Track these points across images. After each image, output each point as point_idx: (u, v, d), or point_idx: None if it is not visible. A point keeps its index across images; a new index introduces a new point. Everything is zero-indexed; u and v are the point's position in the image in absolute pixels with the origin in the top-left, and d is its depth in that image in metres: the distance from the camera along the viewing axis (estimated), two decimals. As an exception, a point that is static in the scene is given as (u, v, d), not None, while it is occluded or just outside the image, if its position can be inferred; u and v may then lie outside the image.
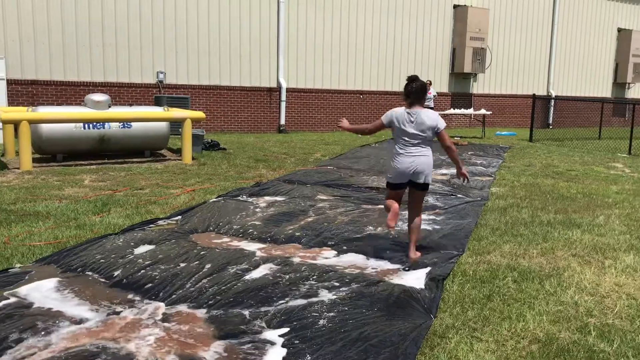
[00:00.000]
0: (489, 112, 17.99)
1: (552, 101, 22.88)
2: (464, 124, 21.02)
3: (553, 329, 3.65)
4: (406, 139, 4.86)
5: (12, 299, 3.83)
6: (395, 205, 4.97)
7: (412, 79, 4.89)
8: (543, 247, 5.46)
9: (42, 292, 3.99)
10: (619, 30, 24.68)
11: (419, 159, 4.84)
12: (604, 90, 24.93)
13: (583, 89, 24.17)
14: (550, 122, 23.38)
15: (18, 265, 4.57)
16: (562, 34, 22.96)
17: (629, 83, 25.08)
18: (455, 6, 19.95)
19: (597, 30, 24.06)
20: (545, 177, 9.97)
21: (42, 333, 3.35)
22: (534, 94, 17.57)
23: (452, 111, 17.79)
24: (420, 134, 4.83)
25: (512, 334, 3.57)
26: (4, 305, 3.71)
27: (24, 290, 4.00)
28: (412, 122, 4.83)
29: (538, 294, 4.26)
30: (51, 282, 4.17)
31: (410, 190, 5.04)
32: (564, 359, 3.25)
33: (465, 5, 19.98)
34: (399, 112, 4.92)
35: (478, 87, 21.18)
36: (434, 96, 17.64)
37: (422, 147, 4.88)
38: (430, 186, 5.24)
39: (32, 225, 5.78)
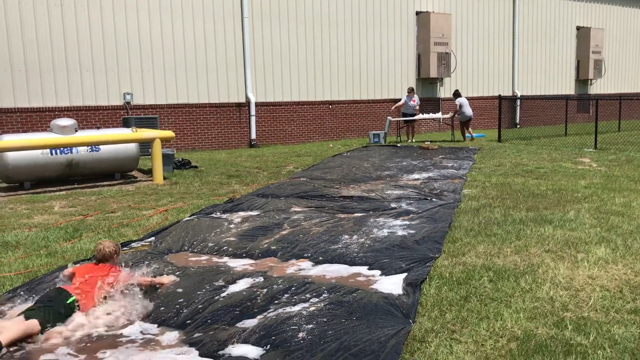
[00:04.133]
0: (457, 115, 18.21)
1: (518, 101, 23.29)
2: (434, 128, 21.24)
3: (530, 325, 3.69)
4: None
5: None
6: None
7: (457, 90, 17.58)
8: (517, 245, 5.53)
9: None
10: (578, 28, 25.27)
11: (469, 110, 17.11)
12: (568, 87, 25.46)
13: (547, 88, 24.66)
14: (518, 121, 23.76)
15: (-13, 298, 4.45)
16: (524, 35, 23.41)
17: (590, 79, 25.66)
18: (417, 12, 20.20)
19: (557, 30, 24.61)
20: (515, 175, 10.12)
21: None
22: (499, 95, 17.85)
23: (421, 116, 17.96)
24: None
25: (490, 333, 3.60)
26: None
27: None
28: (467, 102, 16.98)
29: (514, 291, 4.30)
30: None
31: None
32: (543, 355, 3.29)
33: (427, 11, 20.25)
34: (462, 99, 16.96)
35: (445, 92, 21.43)
36: (417, 104, 17.61)
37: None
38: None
39: (1, 255, 5.65)
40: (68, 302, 3.90)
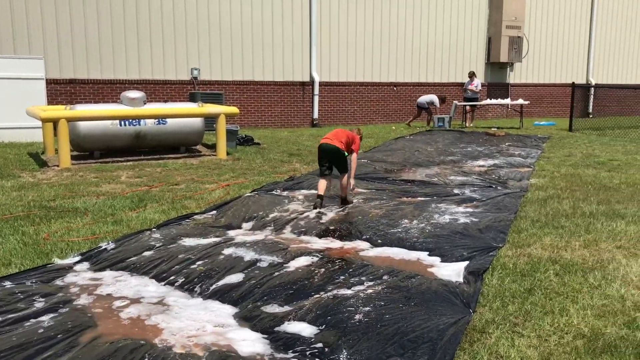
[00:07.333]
0: (526, 102, 17.58)
1: (592, 90, 22.25)
2: (501, 114, 20.62)
3: (598, 323, 3.52)
4: None
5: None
6: None
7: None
8: (586, 239, 5.28)
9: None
10: (663, 14, 23.80)
11: None
12: (648, 77, 24.10)
13: (625, 77, 23.42)
14: (590, 111, 22.73)
15: (57, 260, 4.63)
16: (602, 19, 22.26)
17: (673, 69, 24.17)
18: (490, -6, 19.54)
19: (639, 15, 23.26)
20: (586, 167, 9.68)
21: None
22: (573, 83, 17.10)
23: (488, 101, 17.45)
24: None
25: (555, 329, 3.45)
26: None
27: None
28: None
29: (582, 287, 4.11)
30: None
31: None
32: (611, 355, 3.12)
33: (500, -7, 19.54)
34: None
35: (515, 77, 20.74)
36: (477, 87, 17.19)
37: None
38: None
39: (71, 221, 5.87)
40: (346, 155, 6.45)
